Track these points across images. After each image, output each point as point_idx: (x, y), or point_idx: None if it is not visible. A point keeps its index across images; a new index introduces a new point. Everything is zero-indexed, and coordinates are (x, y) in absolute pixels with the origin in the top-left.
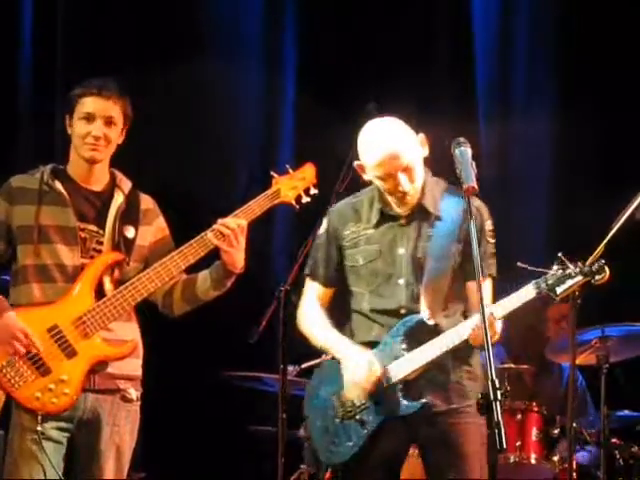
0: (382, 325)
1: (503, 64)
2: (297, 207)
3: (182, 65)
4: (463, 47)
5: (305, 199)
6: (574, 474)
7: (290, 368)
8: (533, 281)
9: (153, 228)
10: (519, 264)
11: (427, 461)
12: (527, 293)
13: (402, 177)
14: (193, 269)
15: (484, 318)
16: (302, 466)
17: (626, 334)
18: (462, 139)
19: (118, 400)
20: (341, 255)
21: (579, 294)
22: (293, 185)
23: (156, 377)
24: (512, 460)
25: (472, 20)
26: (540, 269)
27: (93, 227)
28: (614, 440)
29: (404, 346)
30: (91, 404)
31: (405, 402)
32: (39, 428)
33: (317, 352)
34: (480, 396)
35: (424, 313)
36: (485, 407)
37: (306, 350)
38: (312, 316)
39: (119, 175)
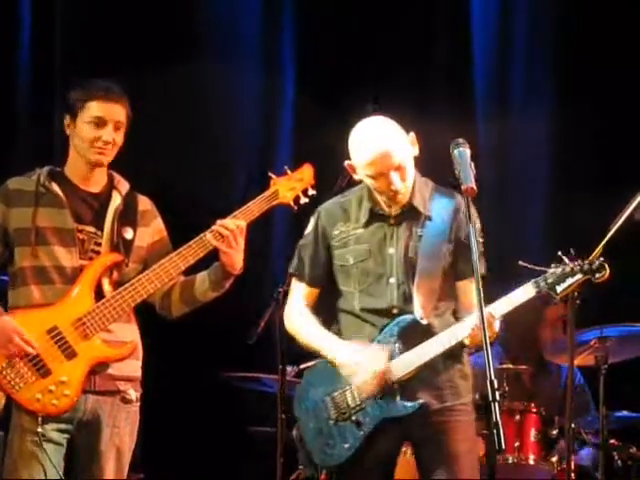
0: (373, 325)
1: (502, 64)
2: (295, 208)
3: (180, 66)
4: (462, 47)
5: (303, 200)
6: (572, 475)
7: (289, 369)
8: (532, 280)
9: (151, 229)
10: (520, 263)
11: (419, 459)
12: (527, 292)
13: (394, 176)
14: (192, 270)
15: (483, 318)
16: (301, 467)
17: (625, 335)
18: (461, 140)
19: (118, 401)
20: (329, 255)
21: (578, 294)
22: (291, 186)
23: (155, 378)
24: (511, 461)
25: (471, 20)
26: (541, 268)
27: (91, 228)
28: (613, 441)
29: (398, 346)
30: (91, 405)
31: (403, 403)
32: (40, 430)
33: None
34: (478, 396)
35: (417, 313)
36: (484, 408)
37: (305, 351)
38: (300, 315)
39: (117, 176)
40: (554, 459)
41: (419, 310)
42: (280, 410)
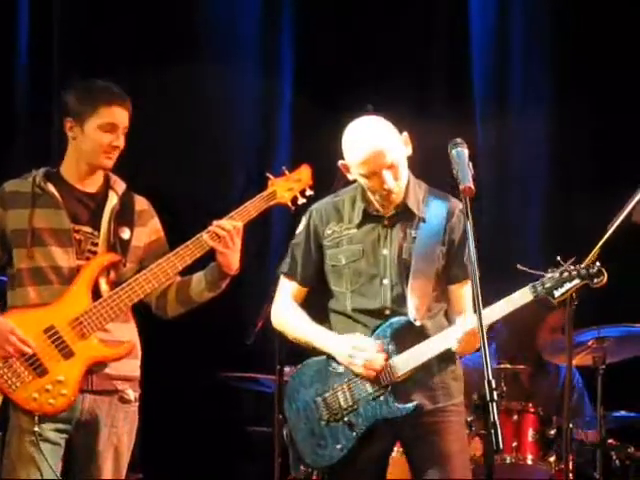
0: (365, 325)
1: (500, 64)
2: (293, 209)
3: (178, 66)
4: (460, 47)
5: (301, 200)
6: (570, 475)
7: (286, 369)
8: (530, 284)
9: (148, 229)
10: (519, 266)
11: (411, 459)
12: (524, 296)
13: (387, 174)
14: (188, 270)
15: (480, 320)
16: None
17: (622, 335)
18: (459, 140)
19: (116, 401)
20: (321, 254)
21: (575, 296)
22: (289, 187)
23: (152, 378)
24: (508, 461)
25: (469, 20)
26: (539, 272)
27: (87, 229)
28: (610, 441)
29: (391, 347)
30: (89, 405)
31: (397, 405)
32: (36, 429)
33: (313, 353)
34: (476, 396)
35: (411, 314)
36: (481, 408)
37: (302, 351)
38: (287, 310)
39: (113, 177)
40: (552, 459)
41: (413, 312)
42: (277, 410)
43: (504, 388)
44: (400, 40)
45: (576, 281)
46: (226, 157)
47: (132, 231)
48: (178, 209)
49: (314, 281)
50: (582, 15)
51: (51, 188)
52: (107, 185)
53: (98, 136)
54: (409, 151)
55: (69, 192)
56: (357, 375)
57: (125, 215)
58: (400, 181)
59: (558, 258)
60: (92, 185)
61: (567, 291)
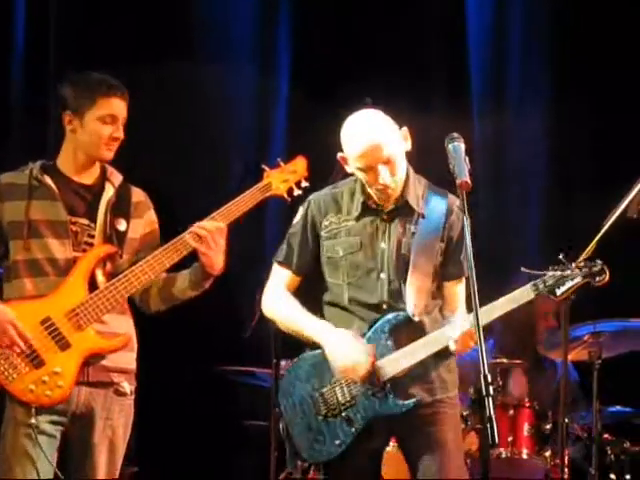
0: (362, 319)
1: (498, 60)
2: (289, 200)
3: (175, 63)
4: (458, 43)
5: (297, 192)
6: (566, 469)
7: (283, 363)
8: (531, 282)
9: (143, 221)
10: (523, 269)
11: (407, 451)
12: (525, 294)
13: (383, 169)
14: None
15: (477, 318)
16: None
17: (618, 330)
18: (456, 134)
19: (112, 394)
20: (317, 244)
21: (573, 292)
22: (284, 178)
23: (149, 371)
24: (504, 455)
25: (466, 16)
26: (542, 272)
27: (84, 220)
28: (606, 435)
29: (390, 343)
30: (84, 398)
31: (397, 401)
32: (33, 421)
33: (310, 347)
34: (473, 391)
35: (409, 310)
36: (477, 402)
37: (298, 344)
38: (280, 298)
39: (109, 168)
40: (547, 454)
41: (411, 307)
42: (274, 404)
43: (500, 383)
44: (397, 36)
45: (578, 279)
46: (223, 151)
47: (128, 223)
48: (175, 202)
49: (308, 270)
50: (580, 12)
51: (48, 180)
52: (103, 177)
53: (98, 128)
54: (408, 146)
55: (66, 184)
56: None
57: (121, 207)
58: (397, 176)
59: (560, 256)
60: (89, 177)
61: (569, 289)
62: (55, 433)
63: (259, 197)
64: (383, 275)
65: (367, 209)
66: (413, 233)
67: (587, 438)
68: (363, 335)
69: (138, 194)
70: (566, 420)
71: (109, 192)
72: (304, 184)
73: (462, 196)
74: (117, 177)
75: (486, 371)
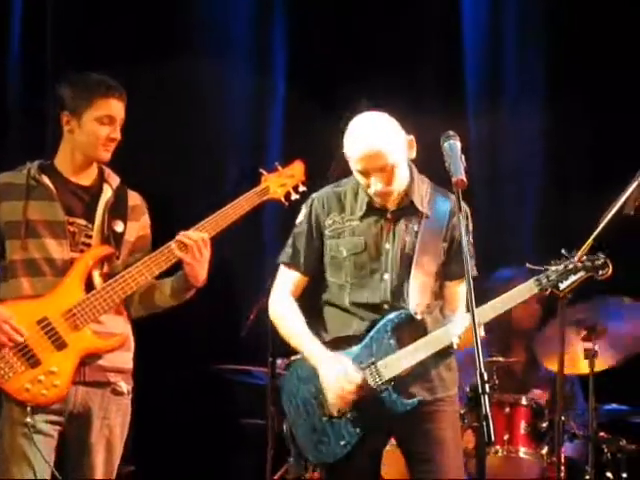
0: (362, 319)
1: (493, 61)
2: (286, 204)
3: (172, 63)
4: (453, 44)
5: (294, 196)
6: (562, 467)
7: (279, 361)
8: (534, 277)
9: (139, 225)
10: (528, 265)
11: (406, 449)
12: (528, 289)
13: (377, 176)
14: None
15: (474, 317)
16: (291, 459)
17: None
18: (451, 132)
19: (109, 393)
20: (322, 243)
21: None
22: (282, 182)
23: (145, 370)
24: (500, 453)
25: (462, 17)
26: (546, 267)
27: (82, 221)
28: (602, 434)
29: (393, 342)
30: (81, 397)
31: (401, 400)
32: (29, 420)
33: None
34: (469, 389)
35: (412, 308)
36: (474, 400)
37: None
38: (287, 308)
39: (107, 170)
40: (544, 452)
41: (414, 305)
42: (270, 402)
43: (496, 381)
44: (394, 36)
45: (581, 273)
46: (220, 152)
47: (125, 225)
48: (173, 203)
49: (316, 270)
50: (575, 12)
51: (46, 180)
52: (101, 178)
53: (96, 129)
54: (412, 154)
55: (63, 185)
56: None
57: (119, 209)
58: (396, 184)
59: (563, 251)
60: (86, 178)
61: (572, 283)
62: (52, 433)
63: (256, 201)
64: (387, 276)
65: (371, 209)
66: (417, 233)
67: (583, 436)
68: (362, 335)
69: (135, 197)
70: (562, 418)
71: (107, 193)
72: (302, 188)
73: (458, 194)
74: (114, 179)
75: (482, 369)
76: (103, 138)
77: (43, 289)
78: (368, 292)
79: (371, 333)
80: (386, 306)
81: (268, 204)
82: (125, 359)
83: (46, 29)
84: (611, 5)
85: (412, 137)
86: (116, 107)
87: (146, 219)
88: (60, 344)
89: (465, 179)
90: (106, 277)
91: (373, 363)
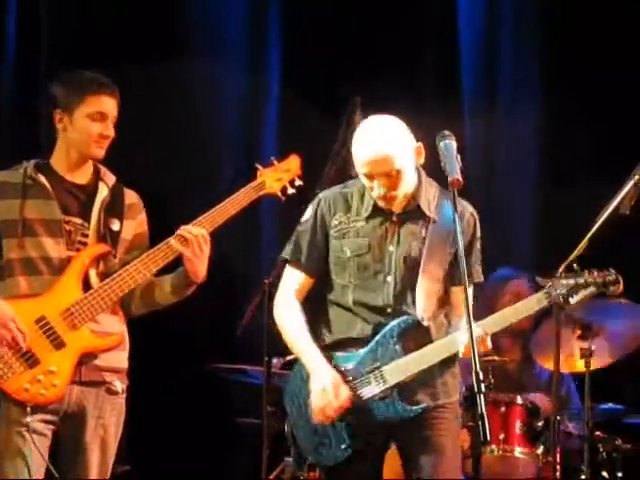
0: (365, 321)
1: (489, 60)
2: (283, 199)
3: (165, 63)
4: (449, 44)
5: (290, 191)
6: (557, 467)
7: (274, 360)
8: (544, 290)
9: (136, 223)
10: (537, 279)
11: (406, 454)
12: (538, 302)
13: (380, 181)
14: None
15: (470, 322)
16: (287, 458)
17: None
18: (447, 132)
19: (103, 393)
20: (327, 243)
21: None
22: (278, 177)
23: (140, 369)
24: (496, 453)
25: (457, 16)
26: (556, 278)
27: (78, 220)
28: (598, 433)
29: (398, 348)
30: (76, 397)
31: (405, 407)
32: (29, 419)
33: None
34: (465, 389)
35: (419, 314)
36: (469, 400)
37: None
38: (288, 312)
39: (103, 169)
40: (539, 451)
41: (420, 312)
42: (266, 402)
43: (492, 380)
44: (388, 37)
45: (592, 289)
46: (214, 150)
47: (122, 223)
48: (165, 203)
49: (321, 271)
50: (570, 11)
51: (42, 179)
52: (97, 177)
53: (87, 125)
54: (420, 162)
55: (59, 183)
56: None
57: (115, 207)
58: (401, 189)
59: (574, 265)
60: (82, 177)
61: (583, 298)
62: (46, 432)
63: (253, 196)
64: (390, 278)
65: (377, 210)
66: (424, 238)
67: (579, 435)
68: (367, 338)
69: (131, 196)
70: (557, 417)
71: (103, 192)
72: (298, 182)
73: (453, 194)
74: (110, 177)
75: (478, 368)
76: (95, 135)
77: (40, 288)
78: (371, 294)
79: (377, 337)
80: (389, 309)
81: (266, 201)
82: (120, 358)
83: (40, 29)
84: (605, 3)
85: (420, 144)
86: (108, 104)
87: (143, 217)
88: (58, 343)
89: (461, 178)
90: (102, 276)
91: (378, 368)
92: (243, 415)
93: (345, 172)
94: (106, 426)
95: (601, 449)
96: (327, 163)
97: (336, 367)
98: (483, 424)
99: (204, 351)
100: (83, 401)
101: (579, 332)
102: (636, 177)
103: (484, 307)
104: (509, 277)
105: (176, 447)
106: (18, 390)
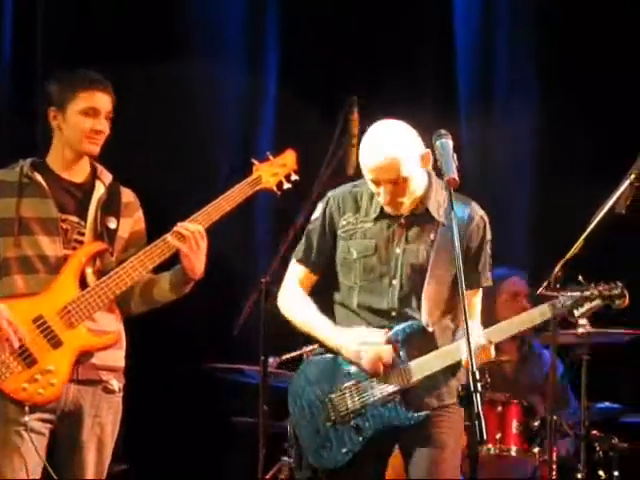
0: (369, 323)
1: (485, 62)
2: (278, 193)
3: (164, 63)
4: (445, 46)
5: (286, 185)
6: (554, 466)
7: (270, 360)
8: (549, 302)
9: (132, 221)
10: (541, 291)
11: (405, 451)
12: (542, 313)
13: (386, 188)
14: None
15: (467, 326)
16: (284, 458)
17: None
18: (443, 131)
19: (100, 391)
20: (335, 242)
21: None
22: (274, 172)
23: (137, 368)
24: (492, 452)
25: (454, 18)
26: (559, 293)
27: (74, 218)
28: (594, 432)
29: (403, 354)
30: (73, 395)
31: (407, 414)
32: (27, 418)
33: (298, 344)
34: (461, 388)
35: (424, 319)
36: (465, 399)
37: (286, 342)
38: (298, 300)
39: (99, 167)
40: (536, 450)
41: (425, 317)
42: (262, 401)
43: (488, 379)
44: (385, 37)
45: (597, 302)
46: (212, 150)
47: (118, 221)
48: (163, 202)
49: (325, 268)
50: (567, 13)
51: (38, 177)
52: (94, 175)
53: (80, 121)
54: (428, 168)
55: (56, 182)
56: (364, 372)
57: (112, 205)
58: (407, 195)
59: (580, 277)
60: (79, 175)
61: (587, 311)
62: (44, 431)
63: (249, 191)
64: (395, 282)
65: (385, 212)
66: (432, 241)
67: (575, 435)
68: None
69: (128, 194)
70: (554, 417)
71: (100, 190)
72: (294, 177)
73: (450, 193)
74: (107, 176)
75: (474, 367)
76: (87, 130)
77: (37, 286)
78: (376, 296)
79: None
80: (393, 313)
81: (261, 198)
82: (117, 357)
83: (36, 31)
84: (603, 4)
85: (428, 150)
86: (100, 99)
87: (140, 215)
88: (56, 342)
89: (457, 178)
90: (99, 274)
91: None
92: (239, 414)
93: (341, 172)
94: (103, 425)
95: (598, 448)
96: (323, 163)
97: (340, 369)
98: (480, 423)
99: (201, 350)
100: (80, 400)
101: None
102: (632, 176)
103: (482, 307)
104: (504, 276)
105: (173, 446)
106: (16, 389)
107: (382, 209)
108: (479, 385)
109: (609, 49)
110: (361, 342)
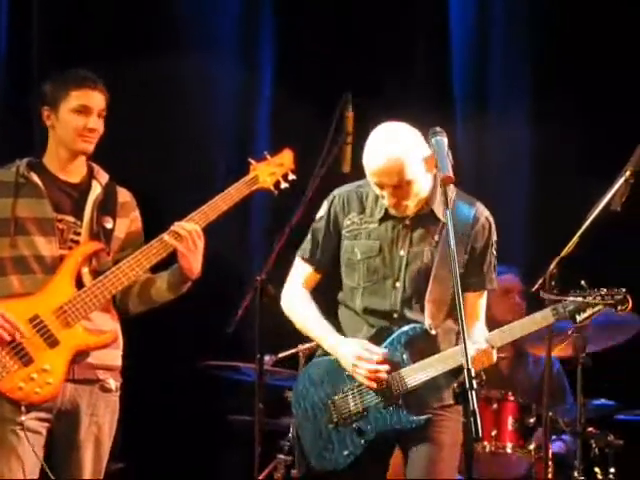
0: (372, 326)
1: (480, 63)
2: (276, 193)
3: (158, 60)
4: (440, 47)
5: (284, 185)
6: (550, 463)
7: (267, 358)
8: (552, 306)
9: (129, 221)
10: (542, 294)
11: (404, 451)
12: (545, 318)
13: (389, 191)
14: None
15: (463, 328)
16: (279, 456)
17: (602, 323)
18: (438, 128)
19: (97, 390)
20: (339, 242)
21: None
22: (271, 171)
23: (133, 367)
24: (488, 449)
25: (449, 18)
26: (563, 297)
27: (70, 218)
28: (590, 429)
29: (406, 356)
30: (70, 394)
31: (409, 417)
32: (23, 418)
33: (294, 342)
34: (456, 385)
35: (427, 322)
36: (461, 396)
37: (282, 340)
38: (301, 300)
39: (96, 167)
40: (531, 447)
41: (428, 319)
42: (258, 399)
43: (483, 377)
44: (380, 36)
45: (599, 307)
46: (207, 148)
47: (115, 221)
48: (158, 201)
49: (329, 267)
50: (562, 12)
51: (35, 177)
52: (90, 175)
53: (72, 119)
54: (431, 171)
55: (52, 182)
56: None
57: (108, 205)
58: (411, 198)
59: (582, 282)
60: (75, 175)
61: (590, 316)
62: (41, 430)
63: (245, 191)
64: (398, 284)
65: (390, 213)
66: (437, 243)
67: (571, 432)
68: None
69: (124, 194)
70: (550, 414)
71: (96, 190)
72: (291, 177)
73: (445, 191)
74: (104, 176)
75: (470, 364)
76: (80, 128)
77: (32, 287)
78: (379, 298)
79: (384, 344)
80: (395, 315)
81: (257, 196)
82: (114, 356)
83: (32, 28)
84: (598, 3)
85: (432, 154)
86: (92, 97)
87: (136, 215)
88: (52, 342)
89: (452, 175)
90: (95, 274)
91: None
92: (235, 412)
93: (336, 170)
94: (100, 424)
95: (594, 445)
96: (318, 161)
97: (342, 371)
98: (475, 420)
99: (196, 348)
100: (77, 399)
101: None
102: (627, 174)
103: None
104: (498, 274)
105: (169, 444)
106: (12, 389)
107: (387, 210)
108: (474, 382)
109: (604, 48)
110: (358, 356)
